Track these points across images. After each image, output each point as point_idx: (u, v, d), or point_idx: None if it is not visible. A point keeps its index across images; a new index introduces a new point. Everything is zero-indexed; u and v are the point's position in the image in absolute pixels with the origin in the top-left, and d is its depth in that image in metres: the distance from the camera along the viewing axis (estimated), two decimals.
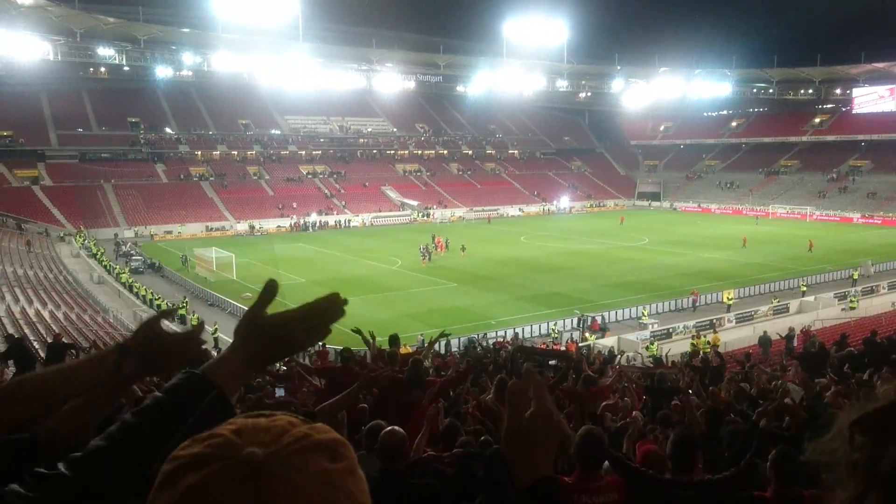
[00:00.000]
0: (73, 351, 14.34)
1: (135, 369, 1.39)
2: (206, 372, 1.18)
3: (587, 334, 30.25)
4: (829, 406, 6.54)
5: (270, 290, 1.25)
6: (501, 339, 27.61)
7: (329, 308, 1.29)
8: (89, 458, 1.08)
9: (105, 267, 48.21)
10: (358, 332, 10.14)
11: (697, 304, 35.52)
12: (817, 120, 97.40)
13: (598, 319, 31.85)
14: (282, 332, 1.23)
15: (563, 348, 25.77)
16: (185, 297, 37.32)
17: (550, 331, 30.98)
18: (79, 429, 1.56)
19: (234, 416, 1.15)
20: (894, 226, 67.79)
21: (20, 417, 1.51)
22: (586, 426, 4.02)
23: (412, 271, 44.65)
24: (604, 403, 8.24)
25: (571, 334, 30.83)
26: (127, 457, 1.09)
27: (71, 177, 71.26)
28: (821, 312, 33.04)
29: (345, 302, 1.29)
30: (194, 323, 1.61)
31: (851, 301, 34.55)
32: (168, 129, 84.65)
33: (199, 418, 1.11)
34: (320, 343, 26.86)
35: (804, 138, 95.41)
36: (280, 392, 10.13)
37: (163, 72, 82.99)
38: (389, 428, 3.85)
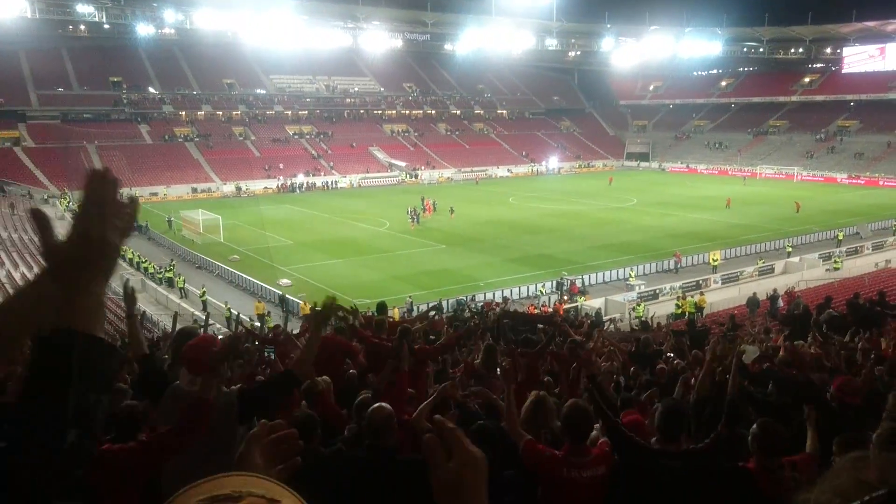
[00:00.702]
0: None
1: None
2: (59, 324, 1.14)
3: (566, 297, 30.29)
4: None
5: (40, 218, 1.22)
6: (490, 301, 27.78)
7: (101, 188, 1.23)
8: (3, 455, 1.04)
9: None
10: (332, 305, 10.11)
11: (680, 265, 35.71)
12: (807, 79, 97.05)
13: (578, 282, 31.88)
14: (89, 244, 1.21)
15: (550, 311, 25.95)
16: (172, 260, 37.15)
17: (539, 292, 31.23)
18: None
19: (114, 351, 1.13)
20: (877, 186, 68.27)
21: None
22: (573, 400, 4.06)
23: (400, 233, 44.59)
24: (583, 370, 8.31)
25: (549, 297, 30.85)
26: (34, 442, 1.05)
27: (53, 137, 69.99)
28: (805, 273, 33.42)
29: (107, 170, 1.25)
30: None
31: (835, 262, 34.94)
32: (151, 89, 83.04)
33: (84, 368, 1.10)
34: (311, 307, 26.86)
35: (793, 98, 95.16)
36: (271, 355, 10.21)
37: (144, 30, 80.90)
38: (377, 405, 3.87)
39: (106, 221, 1.19)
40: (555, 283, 32.06)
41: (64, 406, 1.04)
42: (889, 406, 4.25)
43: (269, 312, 27.44)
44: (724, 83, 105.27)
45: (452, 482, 1.11)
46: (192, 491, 0.88)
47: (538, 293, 31.13)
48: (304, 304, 26.34)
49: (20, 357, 3.23)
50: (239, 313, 25.29)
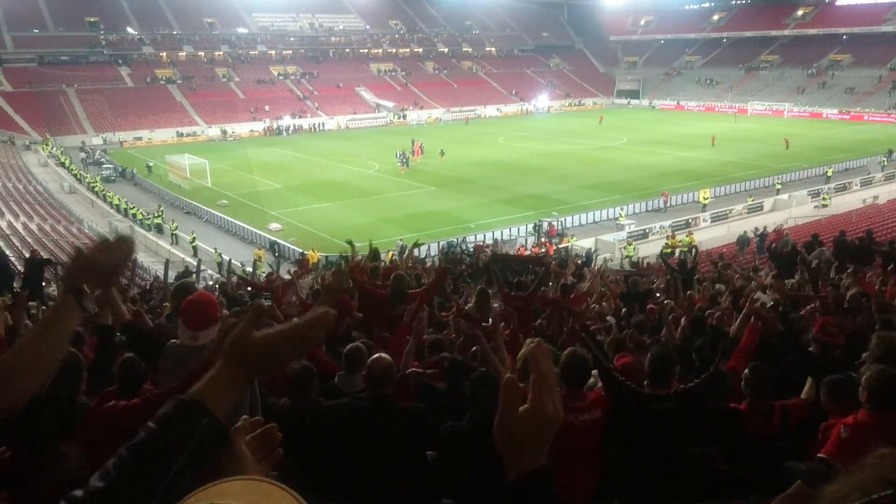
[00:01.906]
0: (52, 266, 14.24)
1: (91, 298, 1.49)
2: (195, 397, 1.17)
3: (543, 240, 30.16)
4: (802, 318, 6.76)
5: (256, 313, 1.25)
6: (481, 243, 27.83)
7: (315, 330, 1.25)
8: (91, 499, 1.07)
9: (75, 176, 47.17)
10: (350, 244, 10.30)
11: (668, 204, 35.76)
12: (800, 12, 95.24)
13: (556, 224, 31.67)
14: (268, 353, 1.22)
15: (541, 252, 26.07)
16: (160, 206, 36.85)
17: (529, 233, 31.29)
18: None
19: (227, 441, 1.16)
20: (861, 121, 68.11)
21: (31, 388, 1.60)
22: (571, 348, 4.14)
23: (389, 175, 44.28)
24: (575, 311, 8.42)
25: (526, 240, 30.71)
26: (126, 495, 1.07)
27: (31, 81, 68.32)
28: (794, 210, 33.62)
29: (331, 323, 1.26)
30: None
31: (824, 198, 35.11)
32: (130, 30, 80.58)
33: (196, 447, 1.11)
34: (300, 252, 26.62)
35: (786, 32, 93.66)
36: (266, 302, 10.28)
37: None
38: (376, 355, 3.94)
39: (296, 350, 1.28)
40: (533, 225, 31.71)
41: (166, 473, 1.07)
42: (871, 346, 4.34)
43: (259, 258, 27.43)
44: (716, 17, 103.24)
45: (513, 428, 1.09)
46: (197, 496, 0.90)
47: (529, 233, 31.18)
48: (313, 251, 26.20)
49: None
50: (230, 259, 25.31)
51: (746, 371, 4.15)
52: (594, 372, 4.38)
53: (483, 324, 7.04)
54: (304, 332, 1.23)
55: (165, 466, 1.09)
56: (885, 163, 44.00)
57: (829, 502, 0.89)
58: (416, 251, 14.56)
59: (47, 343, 1.60)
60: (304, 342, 1.24)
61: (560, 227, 31.75)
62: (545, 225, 31.23)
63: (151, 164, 47.44)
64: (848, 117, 70.36)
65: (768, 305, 6.78)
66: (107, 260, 1.61)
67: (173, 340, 3.81)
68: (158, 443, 1.11)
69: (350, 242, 10.76)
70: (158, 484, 1.07)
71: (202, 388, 1.18)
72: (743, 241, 26.09)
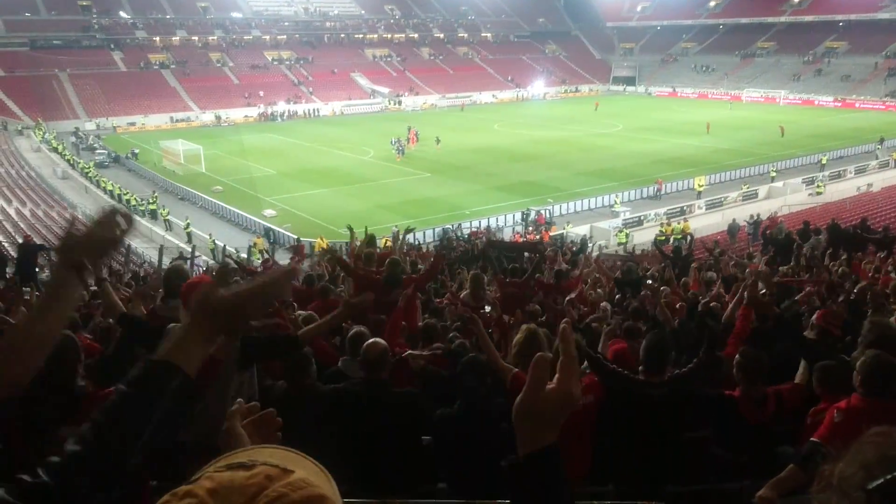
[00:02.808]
0: (44, 252, 14.18)
1: (89, 269, 1.49)
2: (165, 357, 1.18)
3: (531, 229, 29.89)
4: (796, 304, 6.78)
5: (224, 273, 1.26)
6: (477, 230, 27.84)
7: (279, 285, 1.28)
8: (68, 463, 1.08)
9: (69, 161, 46.88)
10: (350, 229, 10.34)
11: (662, 192, 35.71)
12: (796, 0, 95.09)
13: (545, 213, 31.32)
14: (235, 310, 1.24)
15: (537, 238, 26.10)
16: (154, 192, 36.68)
17: (517, 222, 31.21)
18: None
19: (198, 400, 1.19)
20: (853, 108, 68.09)
21: (37, 364, 1.58)
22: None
23: (384, 161, 44.15)
24: (568, 298, 8.43)
25: (513, 228, 30.42)
26: (104, 458, 1.09)
27: (23, 66, 67.67)
28: (788, 198, 33.68)
29: (293, 277, 1.30)
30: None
31: (818, 186, 35.17)
32: (123, 14, 79.79)
33: (169, 405, 1.13)
34: (296, 238, 26.53)
35: (782, 18, 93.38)
36: None
37: None
38: (371, 340, 3.94)
39: (263, 305, 1.30)
40: (521, 213, 31.35)
41: (142, 433, 1.10)
42: (864, 332, 4.36)
43: (254, 244, 27.38)
44: (712, 3, 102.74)
45: (536, 406, 1.12)
46: (217, 461, 0.92)
47: (522, 220, 31.14)
48: (322, 239, 26.03)
49: None
50: (225, 245, 25.25)
51: (737, 356, 4.16)
52: None
53: (481, 311, 7.07)
54: (267, 288, 1.26)
55: (140, 426, 1.11)
56: (880, 150, 44.07)
57: (836, 483, 0.90)
58: (409, 237, 14.56)
59: (51, 318, 1.58)
60: (268, 297, 1.27)
61: (549, 216, 31.48)
62: (533, 213, 31.02)
63: (137, 150, 47.24)
64: (839, 105, 70.33)
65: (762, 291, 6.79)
66: (104, 234, 1.58)
67: (173, 324, 3.79)
68: (131, 403, 1.14)
69: (350, 228, 10.76)
70: (134, 443, 1.10)
71: (171, 347, 1.21)
72: (732, 229, 26.15)
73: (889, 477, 0.84)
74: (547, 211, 31.81)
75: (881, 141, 45.21)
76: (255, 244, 26.94)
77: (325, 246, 24.81)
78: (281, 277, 1.29)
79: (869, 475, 0.86)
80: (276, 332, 3.48)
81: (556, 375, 1.14)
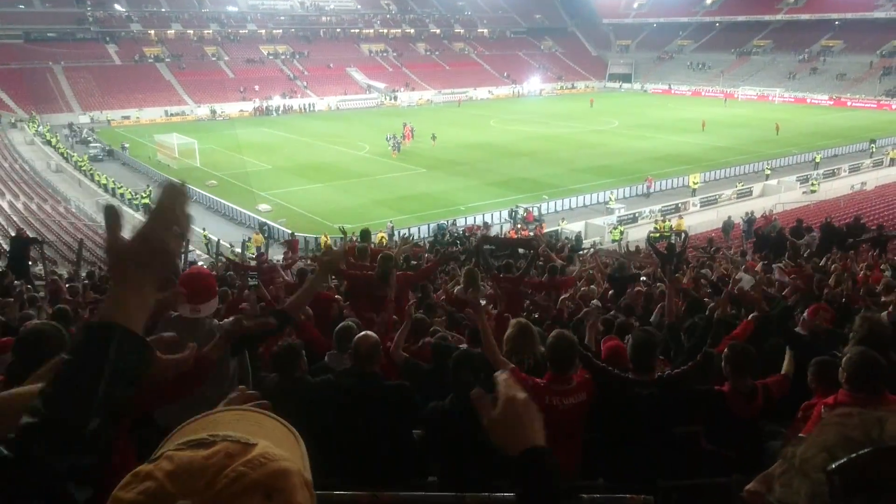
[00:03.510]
0: (37, 245, 14.12)
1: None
2: (102, 317, 1.19)
3: (520, 226, 29.56)
4: (784, 299, 6.81)
5: (111, 215, 1.25)
6: (472, 226, 27.81)
7: (172, 199, 1.26)
8: (25, 436, 1.08)
9: (62, 155, 46.68)
10: (343, 231, 10.33)
11: (651, 189, 35.66)
12: None
13: (534, 210, 31.02)
14: (148, 246, 1.22)
15: (530, 234, 26.11)
16: (148, 185, 36.54)
17: (505, 220, 31.14)
18: None
19: (149, 351, 1.20)
20: (844, 107, 68.22)
21: None
22: (558, 330, 4.15)
23: (380, 157, 44.07)
24: (562, 297, 8.45)
25: (501, 227, 29.95)
26: (59, 425, 1.09)
27: (17, 58, 67.28)
28: (783, 196, 33.75)
29: (178, 188, 1.28)
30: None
31: (812, 184, 35.27)
32: (117, 6, 79.39)
33: (117, 362, 1.14)
34: (290, 233, 26.41)
35: (778, 17, 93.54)
36: (254, 282, 10.25)
37: None
38: (362, 333, 3.94)
39: (170, 229, 1.23)
40: (509, 211, 30.99)
41: (93, 395, 1.10)
42: (854, 328, 4.38)
43: (249, 238, 27.33)
44: (708, 1, 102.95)
45: (499, 423, 1.23)
46: (182, 430, 0.93)
47: (521, 217, 31.10)
48: (325, 236, 26.01)
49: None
50: (219, 240, 25.21)
51: (726, 349, 4.18)
52: None
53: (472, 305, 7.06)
54: (164, 209, 1.24)
55: (89, 390, 1.11)
56: (874, 150, 44.19)
57: (798, 464, 0.91)
58: (402, 232, 14.52)
59: None
60: (165, 219, 1.24)
61: (538, 213, 31.22)
62: (521, 211, 30.80)
63: (127, 145, 47.09)
64: (831, 103, 70.49)
65: (750, 286, 6.82)
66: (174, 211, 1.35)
67: (171, 313, 3.82)
68: (76, 370, 1.14)
69: (343, 230, 10.78)
70: (88, 407, 1.10)
71: (106, 307, 1.21)
72: (727, 226, 26.21)
73: (849, 458, 0.85)
74: (535, 208, 31.68)
75: (872, 142, 45.29)
76: (252, 240, 26.90)
77: (329, 244, 24.83)
78: (173, 194, 1.27)
79: (830, 457, 0.87)
80: (265, 324, 3.49)
81: (499, 401, 1.28)
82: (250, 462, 0.82)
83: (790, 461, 0.94)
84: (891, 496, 0.80)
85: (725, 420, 4.07)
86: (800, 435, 3.30)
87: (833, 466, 0.85)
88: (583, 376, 4.09)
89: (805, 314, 5.33)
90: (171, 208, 1.25)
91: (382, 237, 23.90)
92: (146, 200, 33.76)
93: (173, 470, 0.81)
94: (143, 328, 1.22)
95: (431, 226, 28.15)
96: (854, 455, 0.85)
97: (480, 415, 1.23)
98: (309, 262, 12.73)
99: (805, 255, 11.72)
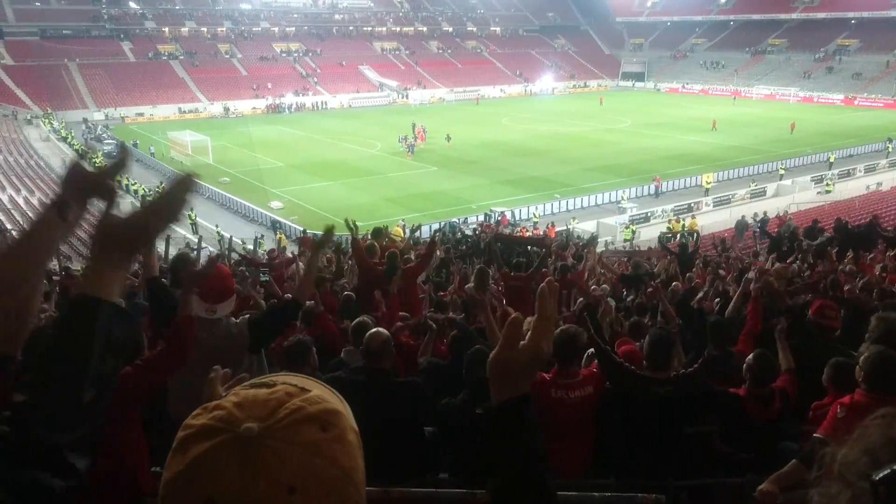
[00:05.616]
0: None
1: (76, 213, 1.40)
2: (82, 292, 1.21)
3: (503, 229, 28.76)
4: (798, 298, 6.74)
5: (106, 192, 1.27)
6: (484, 222, 27.72)
7: (182, 194, 1.31)
8: (21, 412, 1.10)
9: (77, 151, 47.02)
10: (349, 225, 10.34)
11: (660, 189, 35.31)
12: None
13: (508, 214, 29.93)
14: (135, 228, 1.26)
15: (542, 233, 26.05)
16: (161, 182, 36.75)
17: (531, 216, 31.14)
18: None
19: (133, 320, 1.21)
20: (862, 106, 67.51)
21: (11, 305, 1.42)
22: (564, 325, 4.13)
23: (392, 155, 44.10)
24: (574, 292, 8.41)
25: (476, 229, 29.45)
26: (53, 399, 1.12)
27: (33, 55, 67.88)
28: (797, 196, 33.45)
29: (192, 183, 1.30)
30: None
31: (827, 185, 34.95)
32: (132, 4, 79.96)
33: (102, 334, 1.16)
34: (302, 230, 26.51)
35: (794, 15, 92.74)
36: (265, 278, 10.30)
37: None
38: (374, 329, 3.94)
39: (169, 221, 1.29)
40: (484, 215, 30.09)
41: (85, 367, 1.13)
42: (871, 328, 4.33)
43: (262, 236, 27.44)
44: None
45: (510, 360, 1.19)
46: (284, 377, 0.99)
47: (530, 217, 30.97)
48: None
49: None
50: (231, 237, 25.32)
51: (749, 358, 4.14)
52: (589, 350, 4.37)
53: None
54: (166, 200, 1.29)
55: (78, 363, 1.13)
56: (891, 149, 43.73)
57: (838, 469, 0.85)
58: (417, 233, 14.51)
59: (28, 255, 1.36)
60: (168, 210, 1.28)
61: (513, 218, 30.16)
62: (496, 214, 29.87)
63: (137, 142, 47.41)
64: (839, 102, 69.79)
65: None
66: (178, 197, 1.40)
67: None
68: (62, 346, 1.16)
69: (347, 223, 10.78)
70: (79, 379, 1.13)
71: (85, 282, 1.23)
72: (741, 227, 26.01)
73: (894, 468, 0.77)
74: (510, 212, 30.62)
75: (889, 141, 44.80)
76: (276, 238, 27.10)
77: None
78: (179, 186, 1.30)
79: (873, 460, 0.80)
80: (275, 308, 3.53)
81: (529, 333, 1.20)
82: (308, 399, 0.91)
83: (829, 465, 0.86)
84: None
85: (742, 423, 4.05)
86: (823, 437, 3.27)
87: (878, 476, 0.77)
88: (590, 371, 4.07)
89: (810, 311, 5.27)
90: (178, 204, 1.29)
91: (399, 232, 23.92)
92: None
93: (240, 401, 0.90)
94: (120, 298, 1.25)
95: (442, 223, 28.11)
96: None
97: (503, 343, 1.20)
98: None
99: (813, 250, 11.59)
